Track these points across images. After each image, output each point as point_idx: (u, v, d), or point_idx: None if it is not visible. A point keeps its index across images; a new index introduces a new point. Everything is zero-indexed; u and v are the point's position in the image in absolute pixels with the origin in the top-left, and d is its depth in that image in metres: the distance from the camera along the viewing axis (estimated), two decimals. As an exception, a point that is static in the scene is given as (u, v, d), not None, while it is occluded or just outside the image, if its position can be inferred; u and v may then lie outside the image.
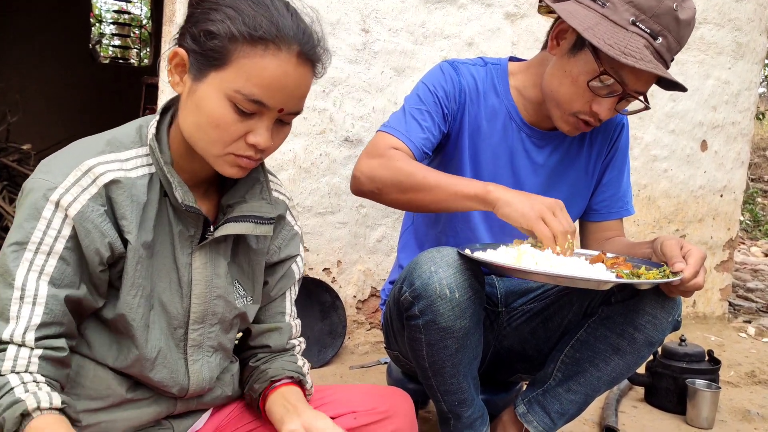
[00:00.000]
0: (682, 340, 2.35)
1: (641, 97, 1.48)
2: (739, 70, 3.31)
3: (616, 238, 1.78)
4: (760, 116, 8.81)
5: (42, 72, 6.12)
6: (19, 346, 0.93)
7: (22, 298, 0.94)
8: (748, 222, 8.20)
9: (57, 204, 0.96)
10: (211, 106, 0.98)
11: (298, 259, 1.26)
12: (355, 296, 2.60)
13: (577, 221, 1.84)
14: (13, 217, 3.51)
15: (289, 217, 1.24)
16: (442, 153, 1.68)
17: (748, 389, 2.64)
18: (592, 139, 1.72)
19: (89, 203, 0.97)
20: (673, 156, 3.24)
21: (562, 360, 1.63)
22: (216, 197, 1.13)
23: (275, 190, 1.22)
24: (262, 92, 0.97)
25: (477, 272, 1.46)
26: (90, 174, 0.98)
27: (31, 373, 0.93)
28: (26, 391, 0.91)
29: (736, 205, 3.45)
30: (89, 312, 1.02)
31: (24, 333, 0.93)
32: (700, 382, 2.22)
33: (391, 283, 1.79)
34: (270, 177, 1.21)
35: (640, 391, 2.44)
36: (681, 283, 1.39)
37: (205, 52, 0.97)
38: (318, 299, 2.48)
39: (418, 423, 1.95)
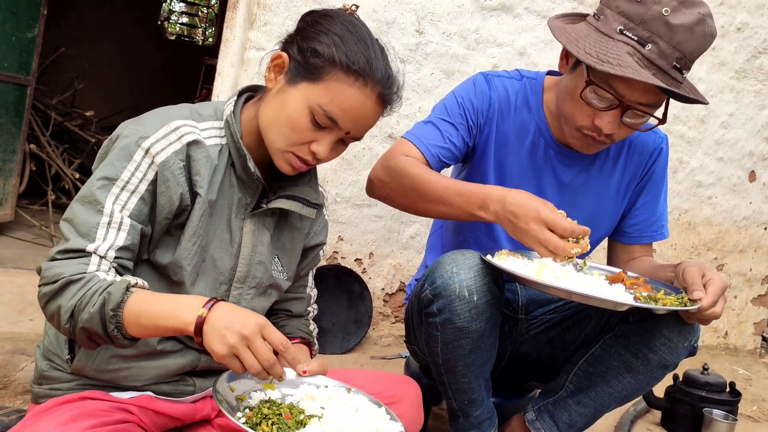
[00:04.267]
0: (705, 369, 2.34)
1: (648, 110, 1.44)
2: (797, 103, 3.24)
3: (643, 257, 1.78)
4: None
5: (110, 43, 6.36)
6: (101, 257, 1.07)
7: (109, 223, 1.08)
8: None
9: (147, 151, 1.10)
10: (293, 109, 1.15)
11: (324, 246, 1.46)
12: (383, 289, 2.66)
13: (606, 240, 1.85)
14: (71, 179, 3.70)
15: (324, 209, 1.43)
16: (470, 164, 1.71)
17: (769, 426, 2.60)
18: (627, 162, 1.71)
19: (173, 156, 1.12)
20: (719, 184, 3.19)
21: (576, 372, 1.65)
22: (268, 176, 1.29)
23: (318, 184, 1.40)
24: (340, 114, 1.14)
25: (497, 278, 1.50)
26: (177, 132, 1.14)
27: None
28: (115, 278, 1.07)
29: (781, 240, 3.38)
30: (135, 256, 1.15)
31: (107, 250, 1.07)
32: (717, 412, 2.20)
33: (417, 280, 1.84)
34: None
35: (657, 414, 2.43)
36: (698, 311, 1.40)
37: (306, 65, 1.15)
38: (347, 288, 2.56)
39: (431, 419, 2.02)
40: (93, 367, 1.16)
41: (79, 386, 1.18)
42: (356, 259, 2.60)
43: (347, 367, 2.39)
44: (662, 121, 1.50)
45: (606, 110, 1.44)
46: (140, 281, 1.08)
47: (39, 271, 1.09)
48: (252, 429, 1.00)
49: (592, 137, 1.51)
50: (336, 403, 1.14)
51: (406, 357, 2.19)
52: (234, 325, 0.99)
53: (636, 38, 1.38)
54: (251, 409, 1.08)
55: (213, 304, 1.02)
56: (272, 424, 1.04)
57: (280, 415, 1.06)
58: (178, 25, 9.02)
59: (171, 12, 8.72)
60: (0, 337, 1.78)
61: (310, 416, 1.08)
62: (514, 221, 1.39)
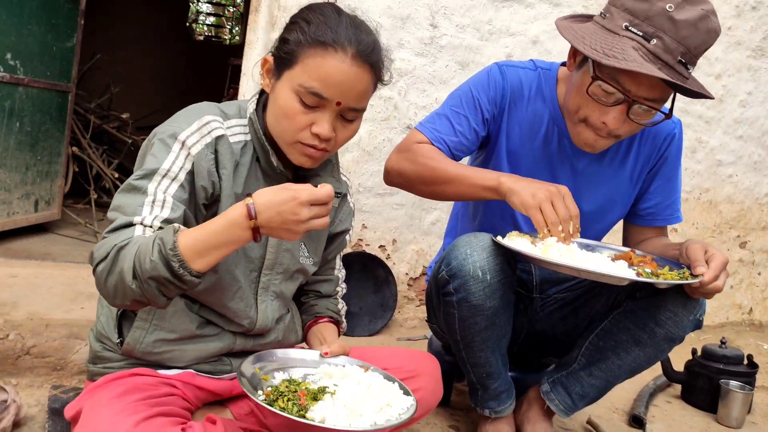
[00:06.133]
0: (723, 343, 2.40)
1: (655, 105, 1.47)
2: (818, 78, 3.23)
3: (654, 238, 1.84)
4: None
5: (142, 48, 6.56)
6: (145, 226, 1.13)
7: (153, 202, 1.15)
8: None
9: (183, 143, 1.19)
10: (282, 99, 1.21)
11: (351, 231, 1.54)
12: (407, 273, 2.78)
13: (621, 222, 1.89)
14: (111, 178, 3.90)
15: (348, 197, 1.51)
16: (485, 152, 1.78)
17: (790, 398, 2.64)
18: (640, 149, 1.74)
19: (205, 148, 1.21)
20: (740, 162, 3.21)
21: (587, 347, 1.74)
22: (292, 169, 1.36)
23: (342, 173, 1.48)
24: (320, 85, 1.18)
25: (509, 258, 1.58)
26: (208, 126, 1.22)
27: None
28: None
29: (804, 216, 3.38)
30: None
31: (153, 220, 1.14)
32: (733, 383, 2.26)
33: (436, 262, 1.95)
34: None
35: (677, 388, 2.50)
36: (700, 285, 1.46)
37: (281, 56, 1.22)
38: (373, 273, 2.68)
39: (454, 394, 2.13)
40: (141, 350, 1.27)
41: (129, 365, 1.29)
42: (380, 246, 2.72)
43: (375, 348, 2.51)
44: (668, 116, 1.53)
45: (613, 105, 1.48)
46: (180, 225, 1.11)
47: (91, 259, 1.16)
48: (269, 405, 1.11)
49: (597, 134, 1.54)
50: (350, 381, 1.23)
51: (429, 337, 2.29)
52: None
53: (641, 34, 1.41)
54: (272, 387, 1.18)
55: (250, 195, 1.09)
56: (288, 400, 1.14)
57: (296, 392, 1.16)
58: (206, 25, 9.23)
59: (198, 13, 8.93)
60: (56, 323, 1.94)
61: (324, 392, 1.18)
62: (524, 185, 1.46)
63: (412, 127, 1.71)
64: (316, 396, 1.16)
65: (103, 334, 1.31)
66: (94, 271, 1.13)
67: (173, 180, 1.18)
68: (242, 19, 7.92)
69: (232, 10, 9.22)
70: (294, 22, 1.24)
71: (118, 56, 6.10)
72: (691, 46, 1.42)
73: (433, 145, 1.64)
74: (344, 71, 1.18)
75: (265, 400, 1.14)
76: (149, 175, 1.18)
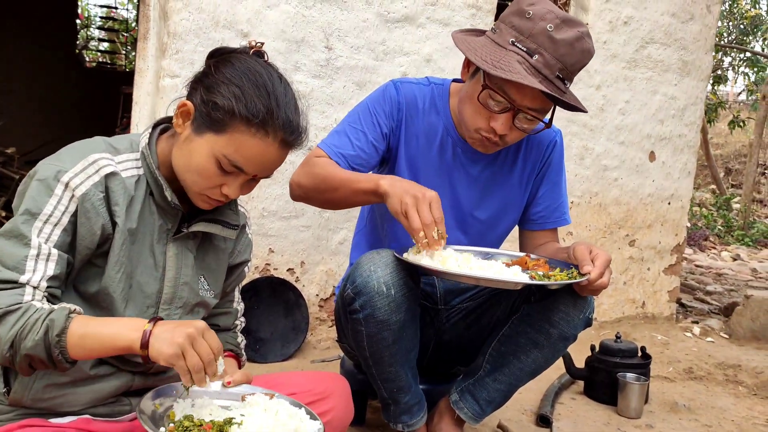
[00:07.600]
0: (618, 338, 2.55)
1: (537, 115, 1.61)
2: (685, 87, 3.53)
3: (548, 243, 1.95)
4: (741, 124, 9.10)
5: (28, 76, 6.24)
6: (35, 288, 1.13)
7: (38, 255, 1.14)
8: (721, 228, 8.45)
9: (66, 185, 1.16)
10: (200, 159, 1.22)
11: (249, 263, 1.53)
12: (317, 295, 2.77)
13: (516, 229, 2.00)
14: (1, 219, 3.66)
15: (247, 228, 1.50)
16: (387, 165, 1.84)
17: (682, 384, 2.84)
18: (526, 155, 1.86)
19: (92, 188, 1.17)
20: (623, 166, 3.45)
21: (490, 353, 1.81)
22: (187, 202, 1.33)
23: (240, 205, 1.47)
24: (244, 162, 1.22)
25: (412, 272, 1.63)
26: (95, 165, 1.19)
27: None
28: (52, 306, 1.13)
29: (683, 212, 3.67)
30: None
31: (40, 280, 1.13)
32: (630, 376, 2.41)
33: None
34: None
35: (581, 385, 2.63)
36: (588, 283, 1.57)
37: (209, 117, 1.20)
38: (282, 297, 2.65)
39: (369, 411, 2.15)
40: (30, 397, 1.21)
41: (18, 416, 1.22)
42: (288, 269, 2.70)
43: (289, 373, 2.48)
44: (548, 125, 1.68)
45: (500, 113, 1.61)
46: (77, 308, 1.15)
47: None
48: None
49: (488, 138, 1.66)
50: (256, 409, 1.22)
51: (342, 358, 2.29)
52: (180, 327, 1.11)
53: (525, 49, 1.55)
54: (176, 422, 1.14)
55: (156, 321, 1.13)
56: None
57: (201, 425, 1.13)
58: (99, 51, 8.89)
59: (89, 39, 8.59)
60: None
61: (231, 423, 1.15)
62: (396, 190, 1.51)
63: (317, 145, 1.75)
64: (222, 428, 1.14)
65: None
66: None
67: (55, 225, 1.16)
68: (136, 44, 7.68)
69: (126, 35, 8.93)
70: (224, 82, 1.21)
71: (2, 88, 5.76)
72: (568, 63, 1.57)
73: (330, 159, 1.70)
74: (270, 153, 1.23)
75: None
76: (30, 221, 1.14)
